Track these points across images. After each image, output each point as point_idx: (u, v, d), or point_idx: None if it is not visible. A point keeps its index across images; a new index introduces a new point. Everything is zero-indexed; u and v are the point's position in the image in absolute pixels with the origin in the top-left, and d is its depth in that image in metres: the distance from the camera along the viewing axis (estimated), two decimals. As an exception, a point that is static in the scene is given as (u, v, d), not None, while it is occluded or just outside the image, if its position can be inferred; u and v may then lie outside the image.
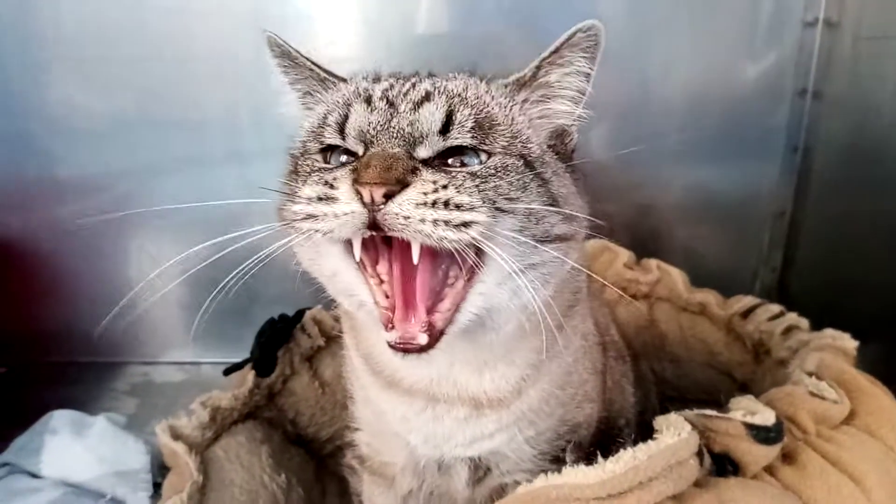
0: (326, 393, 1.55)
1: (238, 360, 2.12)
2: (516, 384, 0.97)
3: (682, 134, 2.03)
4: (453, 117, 0.83)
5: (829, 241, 2.01)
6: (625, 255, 1.77)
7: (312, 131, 0.91)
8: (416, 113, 0.82)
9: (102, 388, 1.99)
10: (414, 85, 0.88)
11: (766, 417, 0.93)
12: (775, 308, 1.56)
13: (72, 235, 2.02)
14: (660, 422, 0.91)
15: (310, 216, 0.79)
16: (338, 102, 0.90)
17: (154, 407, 1.91)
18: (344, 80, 0.97)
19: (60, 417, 1.45)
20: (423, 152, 0.82)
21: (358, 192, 0.76)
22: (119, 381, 2.03)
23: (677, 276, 1.73)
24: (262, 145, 1.98)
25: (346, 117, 0.86)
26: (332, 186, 0.78)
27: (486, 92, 0.89)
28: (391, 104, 0.84)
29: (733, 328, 1.63)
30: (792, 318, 1.50)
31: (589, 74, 0.89)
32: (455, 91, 0.86)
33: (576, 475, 0.82)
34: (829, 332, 1.36)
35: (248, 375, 1.44)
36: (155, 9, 1.83)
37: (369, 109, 0.84)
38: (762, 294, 2.12)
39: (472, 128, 0.83)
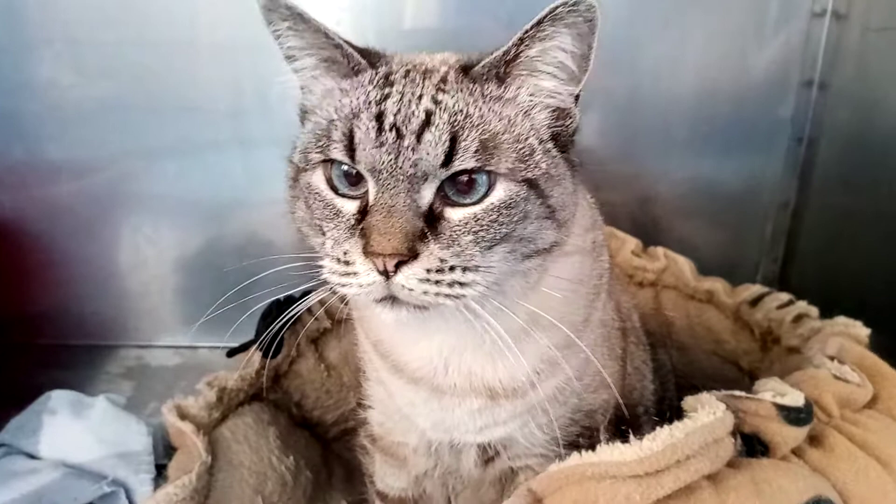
0: (332, 376, 1.52)
1: (235, 344, 2.09)
2: (529, 376, 0.95)
3: (687, 124, 2.02)
4: (457, 143, 0.80)
5: (832, 233, 2.01)
6: (632, 242, 1.76)
7: (315, 139, 0.87)
8: (420, 144, 0.80)
9: (96, 371, 1.95)
10: (420, 98, 0.83)
11: (795, 398, 0.92)
12: (784, 297, 1.55)
13: (65, 216, 1.98)
14: (690, 402, 0.89)
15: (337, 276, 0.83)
16: (343, 111, 0.85)
17: (150, 390, 1.87)
18: (361, 54, 0.90)
19: (59, 398, 1.42)
20: (427, 192, 0.81)
21: (372, 261, 0.78)
22: (113, 364, 1.99)
23: (684, 265, 1.72)
24: (266, 130, 1.95)
25: (352, 135, 0.82)
26: (347, 262, 0.81)
27: (485, 101, 0.85)
28: (399, 134, 0.80)
29: (741, 316, 1.62)
30: (802, 306, 1.50)
31: (583, 54, 0.85)
32: (456, 108, 0.82)
33: (612, 453, 0.80)
34: (842, 320, 1.36)
35: (254, 357, 1.41)
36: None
37: (378, 142, 0.81)
38: (764, 284, 2.13)
39: (477, 150, 0.81)
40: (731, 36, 1.93)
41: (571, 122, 0.90)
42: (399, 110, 0.81)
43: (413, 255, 0.78)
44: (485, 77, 0.85)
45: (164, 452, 1.42)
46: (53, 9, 1.78)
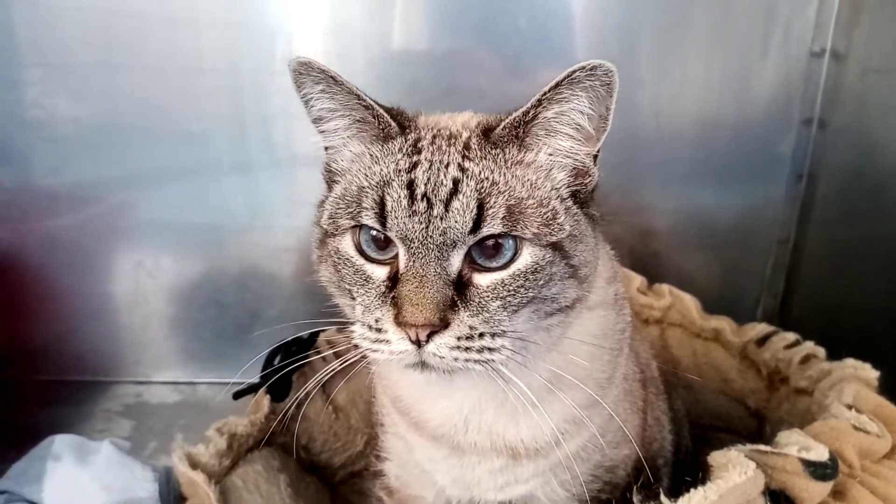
0: (340, 418, 1.51)
1: (235, 380, 2.07)
2: (553, 435, 0.94)
3: (687, 159, 2.04)
4: (484, 210, 0.81)
5: (832, 269, 2.03)
6: (637, 279, 1.76)
7: (345, 205, 0.88)
8: (448, 213, 0.81)
9: (95, 409, 1.92)
10: (447, 166, 0.84)
11: (820, 453, 0.92)
12: (791, 336, 1.56)
13: (63, 248, 1.95)
14: (717, 458, 0.89)
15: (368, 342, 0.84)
16: (374, 178, 0.86)
17: (150, 429, 1.85)
18: (391, 115, 0.91)
19: (63, 442, 1.38)
20: (456, 259, 0.82)
21: (405, 331, 0.80)
22: (112, 402, 1.96)
23: (690, 302, 1.72)
24: (268, 157, 1.95)
25: (383, 202, 0.83)
26: (379, 330, 0.82)
27: (508, 166, 0.86)
28: (429, 203, 0.82)
29: (748, 355, 1.62)
30: (809, 346, 1.51)
31: (601, 115, 0.86)
32: (482, 176, 0.84)
33: (647, 516, 0.79)
34: (850, 363, 1.36)
35: (263, 400, 1.39)
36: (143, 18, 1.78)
37: (410, 210, 0.82)
38: (764, 320, 2.13)
39: (504, 217, 0.82)
40: (730, 74, 1.96)
41: (591, 180, 0.91)
42: (429, 179, 0.82)
43: (444, 325, 0.79)
44: (505, 140, 0.87)
45: (169, 498, 1.39)
46: (47, 31, 1.77)
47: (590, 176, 0.90)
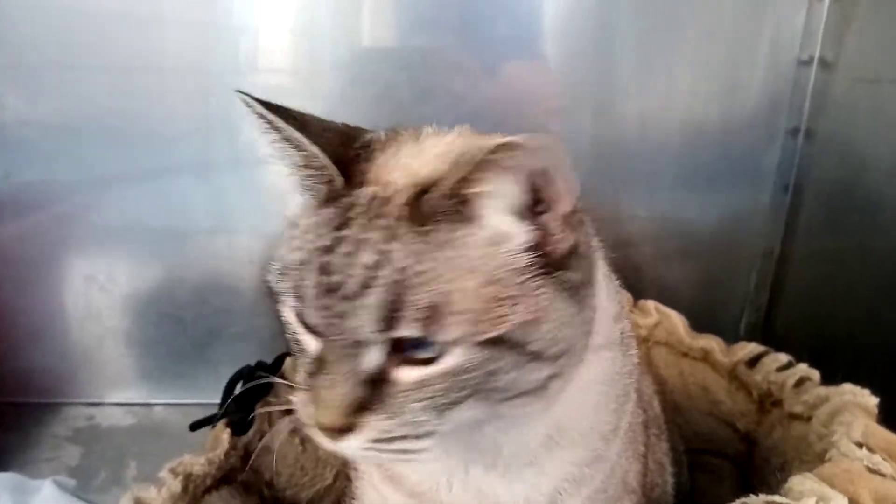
0: (307, 450, 1.39)
1: (194, 401, 1.94)
2: (551, 496, 0.84)
3: (670, 168, 1.98)
4: (400, 309, 0.66)
5: (817, 282, 1.99)
6: (623, 296, 1.68)
7: (281, 271, 0.76)
8: (356, 311, 0.67)
9: (41, 434, 1.79)
10: (366, 249, 0.68)
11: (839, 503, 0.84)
12: (783, 358, 1.49)
13: (5, 259, 1.81)
14: (730, 514, 0.80)
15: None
16: (296, 255, 0.73)
17: (101, 456, 1.73)
18: (345, 161, 0.76)
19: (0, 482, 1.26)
20: (374, 356, 0.69)
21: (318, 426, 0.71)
22: (60, 426, 1.83)
23: (677, 320, 1.65)
24: (232, 160, 1.83)
25: (300, 287, 0.71)
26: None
27: (438, 247, 0.68)
28: (338, 296, 0.68)
29: (737, 376, 1.56)
30: (803, 369, 1.44)
31: (546, 186, 0.70)
32: (404, 264, 0.67)
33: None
34: (849, 388, 1.30)
35: (223, 435, 1.27)
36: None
37: (318, 304, 0.69)
38: (747, 334, 2.09)
39: (424, 318, 0.66)
40: (715, 81, 1.90)
41: (561, 245, 0.73)
42: (343, 266, 0.68)
43: (353, 428, 0.69)
44: (436, 215, 0.69)
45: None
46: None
47: (554, 243, 0.72)
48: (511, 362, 0.68)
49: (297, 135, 0.74)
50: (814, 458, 1.18)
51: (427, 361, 0.68)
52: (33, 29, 1.66)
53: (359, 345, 0.68)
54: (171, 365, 1.94)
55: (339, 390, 0.68)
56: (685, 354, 1.64)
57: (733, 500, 0.89)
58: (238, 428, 1.28)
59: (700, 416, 1.62)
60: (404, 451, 0.71)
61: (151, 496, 1.10)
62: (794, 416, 1.38)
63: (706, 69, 1.89)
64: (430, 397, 0.68)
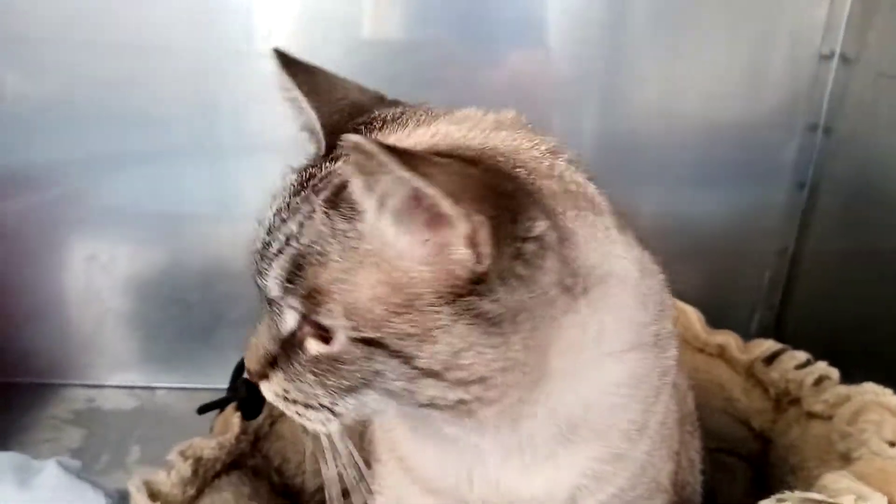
0: (317, 436, 1.36)
1: (198, 385, 1.91)
2: (570, 491, 0.81)
3: (684, 163, 1.95)
4: (291, 280, 0.69)
5: (831, 281, 1.96)
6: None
7: None
8: (267, 270, 0.71)
9: (41, 416, 1.75)
10: (294, 215, 0.70)
11: (878, 502, 0.82)
12: (802, 356, 1.46)
13: (7, 239, 1.78)
14: (768, 509, 0.78)
15: None
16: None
17: (103, 439, 1.69)
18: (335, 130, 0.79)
19: (3, 462, 1.22)
20: (289, 318, 0.72)
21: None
22: (60, 407, 1.79)
23: (693, 316, 1.63)
24: (238, 143, 1.80)
25: (253, 241, 0.77)
26: None
27: (335, 237, 0.67)
28: (262, 254, 0.73)
29: (754, 374, 1.53)
30: (822, 367, 1.41)
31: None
32: (309, 240, 0.68)
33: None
34: (870, 388, 1.27)
35: (233, 418, 1.24)
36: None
37: (254, 255, 0.74)
38: (759, 333, 2.06)
39: (304, 296, 0.68)
40: (733, 75, 1.86)
41: (458, 268, 0.64)
42: (275, 228, 0.72)
43: (266, 378, 0.76)
44: (341, 204, 0.67)
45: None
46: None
47: (460, 263, 0.64)
48: (395, 370, 0.67)
49: (299, 96, 0.80)
50: (836, 458, 1.17)
51: (328, 342, 0.70)
52: (35, 3, 1.62)
53: (280, 308, 0.72)
54: (175, 348, 1.91)
55: (258, 341, 0.75)
56: (700, 350, 1.61)
57: (746, 500, 0.87)
58: (248, 412, 1.25)
59: (716, 413, 1.59)
60: (300, 416, 0.76)
61: (161, 480, 1.07)
62: (813, 415, 1.36)
63: (724, 62, 1.85)
64: (322, 374, 0.71)
